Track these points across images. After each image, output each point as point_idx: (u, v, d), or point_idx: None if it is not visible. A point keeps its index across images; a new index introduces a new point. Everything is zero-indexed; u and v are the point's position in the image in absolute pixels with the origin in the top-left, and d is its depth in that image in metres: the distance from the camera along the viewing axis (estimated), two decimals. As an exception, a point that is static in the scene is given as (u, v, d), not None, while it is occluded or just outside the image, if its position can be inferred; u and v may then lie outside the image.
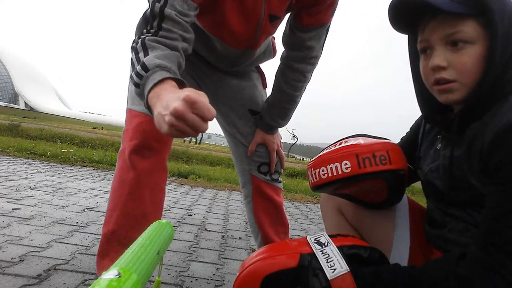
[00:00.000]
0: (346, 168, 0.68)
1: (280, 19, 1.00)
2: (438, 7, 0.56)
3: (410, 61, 0.71)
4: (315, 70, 1.12)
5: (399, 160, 0.69)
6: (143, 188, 0.92)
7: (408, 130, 0.85)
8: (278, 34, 1.14)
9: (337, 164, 0.69)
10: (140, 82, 0.69)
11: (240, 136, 1.21)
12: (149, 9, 0.76)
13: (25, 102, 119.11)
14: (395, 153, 0.69)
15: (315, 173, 0.74)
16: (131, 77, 0.74)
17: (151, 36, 0.75)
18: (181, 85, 0.67)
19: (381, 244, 0.76)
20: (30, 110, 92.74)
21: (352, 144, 0.71)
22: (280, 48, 1.20)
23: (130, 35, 0.78)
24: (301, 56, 1.05)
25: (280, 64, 1.11)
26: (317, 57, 1.07)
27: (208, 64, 1.15)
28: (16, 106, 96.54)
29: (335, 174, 0.70)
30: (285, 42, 1.06)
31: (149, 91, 0.66)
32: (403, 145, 0.84)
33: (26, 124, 8.54)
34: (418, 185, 0.79)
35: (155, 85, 0.65)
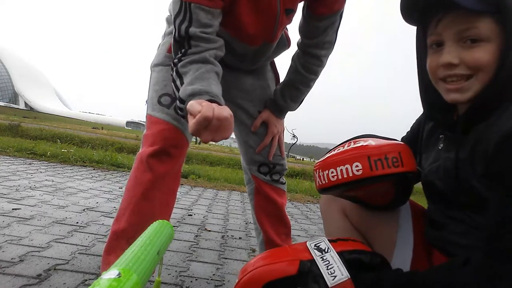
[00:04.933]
0: (357, 171, 0.65)
1: (294, 11, 1.02)
2: (455, 2, 0.54)
3: (417, 55, 0.69)
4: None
5: (410, 162, 0.66)
6: (155, 190, 0.95)
7: (409, 129, 0.84)
8: (291, 24, 1.14)
9: (348, 166, 0.66)
10: (184, 114, 0.79)
11: (245, 135, 1.21)
12: (177, 33, 0.83)
13: (25, 102, 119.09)
14: (407, 154, 0.67)
15: (323, 175, 0.71)
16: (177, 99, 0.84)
17: (182, 57, 0.83)
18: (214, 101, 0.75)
19: (385, 246, 0.75)
20: (30, 110, 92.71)
21: (362, 146, 0.68)
22: (293, 38, 1.22)
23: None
24: (316, 43, 1.07)
25: (297, 50, 1.13)
26: (331, 42, 1.09)
27: (224, 65, 1.16)
28: (16, 106, 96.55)
29: (345, 176, 0.66)
30: (301, 31, 1.08)
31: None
32: None
33: (26, 124, 8.54)
34: (418, 185, 0.79)
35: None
